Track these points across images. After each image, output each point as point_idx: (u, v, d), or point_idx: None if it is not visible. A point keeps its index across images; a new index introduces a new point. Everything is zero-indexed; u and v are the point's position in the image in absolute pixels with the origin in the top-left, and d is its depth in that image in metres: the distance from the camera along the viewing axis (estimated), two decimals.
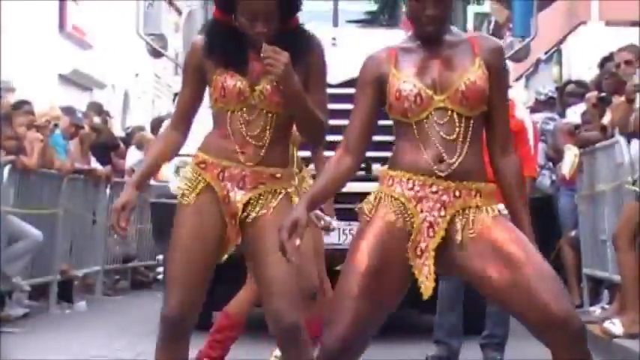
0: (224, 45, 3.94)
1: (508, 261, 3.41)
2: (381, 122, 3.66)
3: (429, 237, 3.47)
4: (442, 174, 3.48)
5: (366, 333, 3.51)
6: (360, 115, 3.60)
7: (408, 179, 3.50)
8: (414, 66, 3.54)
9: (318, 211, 6.00)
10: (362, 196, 3.68)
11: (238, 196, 3.94)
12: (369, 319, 3.48)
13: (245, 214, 3.94)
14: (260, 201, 3.94)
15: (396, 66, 3.55)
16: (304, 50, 3.93)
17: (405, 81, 3.51)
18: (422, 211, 3.48)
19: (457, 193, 3.49)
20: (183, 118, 4.11)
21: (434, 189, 3.49)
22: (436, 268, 3.48)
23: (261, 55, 3.81)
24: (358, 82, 3.62)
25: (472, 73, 3.51)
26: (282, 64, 3.80)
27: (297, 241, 3.46)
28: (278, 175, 3.97)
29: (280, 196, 3.94)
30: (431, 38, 3.55)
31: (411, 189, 3.50)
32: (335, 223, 6.28)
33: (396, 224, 3.49)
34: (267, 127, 3.94)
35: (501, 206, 3.61)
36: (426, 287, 3.47)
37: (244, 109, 3.94)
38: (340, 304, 3.47)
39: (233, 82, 3.93)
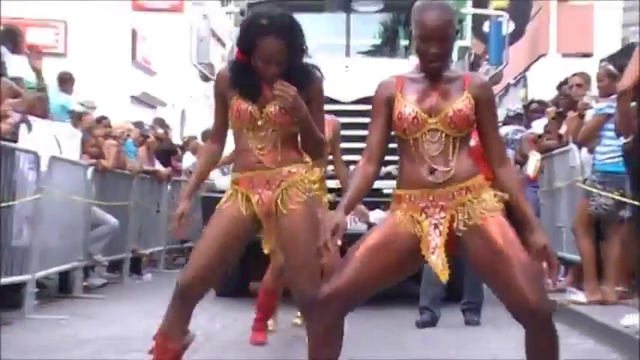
0: (243, 80, 3.96)
1: (497, 254, 3.35)
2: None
3: (437, 236, 3.42)
4: (437, 181, 3.43)
5: (358, 294, 3.42)
6: (376, 131, 3.54)
7: (409, 196, 3.46)
8: (416, 94, 3.48)
9: (363, 207, 6.04)
10: None
11: (268, 197, 3.95)
12: (365, 284, 3.39)
13: (278, 210, 3.95)
14: (285, 197, 3.94)
15: (401, 92, 3.49)
16: (307, 83, 3.95)
17: (406, 105, 3.46)
18: (427, 217, 3.43)
19: (451, 196, 3.43)
20: (218, 133, 4.14)
21: (431, 198, 3.44)
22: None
23: (275, 89, 3.85)
24: (373, 103, 3.56)
25: (460, 103, 3.45)
26: (291, 96, 3.84)
27: (339, 242, 3.42)
28: (293, 170, 3.97)
29: (301, 195, 3.94)
30: (434, 72, 3.49)
31: (414, 202, 3.45)
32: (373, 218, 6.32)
33: (406, 228, 3.44)
34: (274, 140, 3.96)
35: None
36: (443, 275, 3.43)
37: (255, 128, 3.96)
38: (346, 264, 3.40)
39: (245, 106, 3.95)
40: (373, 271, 3.39)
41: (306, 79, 3.95)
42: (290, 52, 3.87)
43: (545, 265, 3.47)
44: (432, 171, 3.44)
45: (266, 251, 4.06)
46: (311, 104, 3.95)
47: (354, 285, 3.36)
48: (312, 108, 3.95)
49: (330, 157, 6.39)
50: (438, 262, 3.42)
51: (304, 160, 4.05)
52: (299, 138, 4.05)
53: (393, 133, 3.55)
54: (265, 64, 3.86)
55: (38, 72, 8.56)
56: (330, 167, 6.45)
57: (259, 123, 3.94)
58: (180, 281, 3.97)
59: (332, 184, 6.40)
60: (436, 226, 3.42)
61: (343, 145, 6.49)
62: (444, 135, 3.45)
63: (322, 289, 3.41)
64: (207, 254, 3.92)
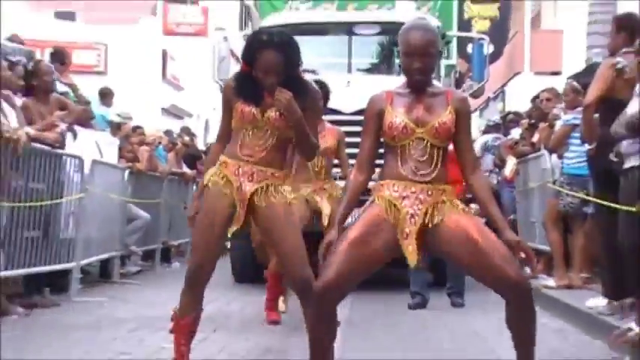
0: (246, 88, 3.95)
1: (470, 241, 3.30)
2: None
3: (412, 224, 3.36)
4: (420, 180, 3.39)
5: (348, 283, 3.36)
6: (367, 141, 3.50)
7: (394, 184, 3.41)
8: (404, 106, 3.44)
9: None
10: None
11: (248, 187, 3.90)
12: (351, 275, 3.34)
13: (254, 201, 3.90)
14: (264, 193, 3.90)
15: (391, 104, 3.45)
16: (303, 92, 3.93)
17: (396, 116, 3.42)
18: (405, 206, 3.37)
19: (429, 193, 3.38)
20: (224, 136, 4.06)
21: (412, 190, 3.39)
22: (422, 248, 3.38)
23: (275, 95, 3.84)
24: (365, 115, 3.52)
25: (444, 117, 3.41)
26: (286, 100, 3.83)
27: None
28: (277, 174, 3.93)
29: (280, 194, 3.90)
30: (418, 85, 3.45)
31: (396, 191, 3.39)
32: None
33: (384, 217, 3.38)
34: (269, 141, 3.92)
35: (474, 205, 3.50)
36: (412, 260, 3.37)
37: (255, 129, 3.93)
38: (333, 258, 3.34)
39: (249, 109, 3.93)
40: (357, 263, 3.33)
41: (302, 89, 3.92)
42: (287, 65, 3.86)
43: (523, 255, 3.40)
44: (415, 172, 3.40)
45: (228, 235, 3.97)
46: (307, 112, 3.91)
47: (342, 277, 3.31)
48: (307, 115, 3.91)
49: (336, 161, 6.45)
50: (409, 247, 3.35)
51: (287, 168, 4.01)
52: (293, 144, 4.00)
53: (382, 139, 3.51)
54: (264, 74, 3.85)
55: (73, 87, 8.55)
56: (336, 170, 6.51)
57: (260, 124, 3.91)
58: (189, 267, 3.95)
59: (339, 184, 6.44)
60: (412, 216, 3.36)
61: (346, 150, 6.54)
62: (429, 144, 3.41)
63: (316, 283, 3.37)
64: (205, 240, 3.88)
